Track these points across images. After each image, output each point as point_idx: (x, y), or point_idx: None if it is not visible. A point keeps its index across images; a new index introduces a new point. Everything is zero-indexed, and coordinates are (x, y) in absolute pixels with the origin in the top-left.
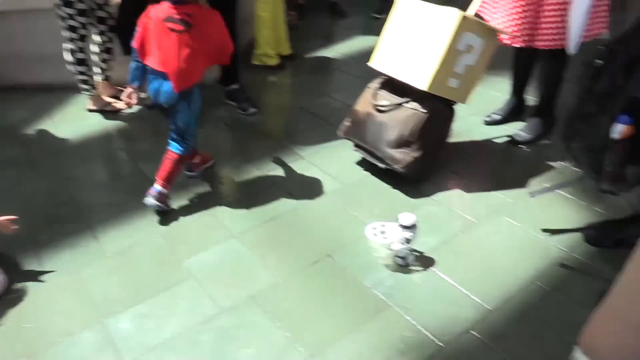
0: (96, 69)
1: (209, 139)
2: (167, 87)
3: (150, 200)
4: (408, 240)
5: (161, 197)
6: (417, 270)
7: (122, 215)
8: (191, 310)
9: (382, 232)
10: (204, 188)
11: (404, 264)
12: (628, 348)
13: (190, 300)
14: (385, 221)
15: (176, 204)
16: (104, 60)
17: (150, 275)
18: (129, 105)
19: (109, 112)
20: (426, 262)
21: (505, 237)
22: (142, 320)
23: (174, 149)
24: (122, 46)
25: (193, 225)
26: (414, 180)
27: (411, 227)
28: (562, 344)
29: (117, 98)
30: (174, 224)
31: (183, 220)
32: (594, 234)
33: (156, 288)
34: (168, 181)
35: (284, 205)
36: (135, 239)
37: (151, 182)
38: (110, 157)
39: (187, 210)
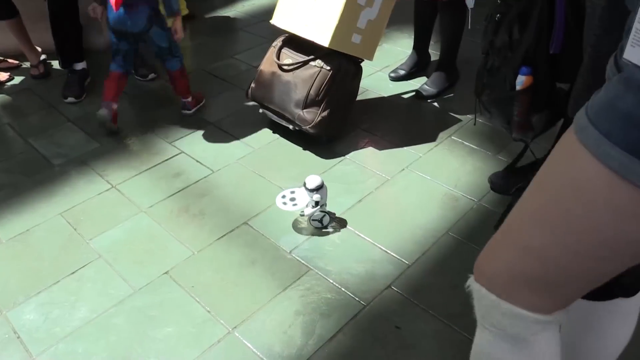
0: None
1: None
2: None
3: (188, 112)
4: (317, 203)
5: (193, 103)
6: (335, 231)
7: (16, 197)
8: (102, 293)
9: (292, 200)
10: (107, 162)
11: (320, 226)
12: (515, 268)
13: (99, 283)
14: (295, 187)
15: (76, 181)
16: None
17: (53, 260)
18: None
19: None
20: (343, 222)
21: (417, 192)
22: (47, 309)
23: (173, 67)
24: None
25: (97, 202)
26: (325, 141)
27: (319, 189)
28: None
29: None
30: (76, 203)
31: (86, 198)
32: (500, 183)
33: (61, 272)
34: (188, 93)
35: (193, 174)
36: (33, 222)
37: (46, 159)
38: None
39: (89, 188)
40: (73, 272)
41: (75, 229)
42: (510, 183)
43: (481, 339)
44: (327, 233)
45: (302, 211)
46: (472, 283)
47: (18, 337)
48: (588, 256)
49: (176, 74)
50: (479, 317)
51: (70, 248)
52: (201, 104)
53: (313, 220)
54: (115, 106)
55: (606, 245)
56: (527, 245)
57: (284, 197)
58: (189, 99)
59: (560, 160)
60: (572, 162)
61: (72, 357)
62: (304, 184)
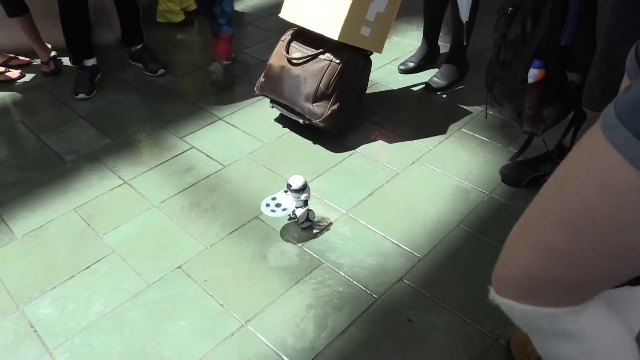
0: None
1: (116, 104)
2: None
3: (217, 68)
4: (306, 202)
5: (226, 67)
6: (347, 225)
7: (29, 193)
8: (116, 288)
9: (278, 206)
10: (118, 158)
11: (309, 224)
12: (539, 270)
13: (114, 277)
14: (277, 192)
15: (89, 177)
16: None
17: (67, 255)
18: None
19: (0, 82)
20: (356, 215)
21: (428, 185)
22: (63, 303)
23: (226, 30)
24: (5, 6)
25: (109, 198)
26: (335, 134)
27: (304, 189)
28: (489, 283)
29: (8, 66)
30: (89, 199)
31: (98, 193)
32: (511, 175)
33: (75, 267)
34: (228, 57)
35: (204, 169)
36: (47, 218)
37: (58, 156)
38: (9, 132)
39: (101, 183)
40: (87, 267)
41: (88, 224)
42: (521, 175)
43: (537, 343)
44: (340, 226)
45: (293, 214)
46: (494, 297)
47: (35, 331)
48: (615, 257)
49: (227, 37)
50: (518, 325)
51: (84, 243)
52: (228, 62)
53: (302, 222)
54: (224, 62)
55: (634, 246)
56: (551, 247)
57: (268, 205)
58: (224, 62)
59: (586, 158)
60: (599, 160)
61: (87, 350)
62: (288, 186)
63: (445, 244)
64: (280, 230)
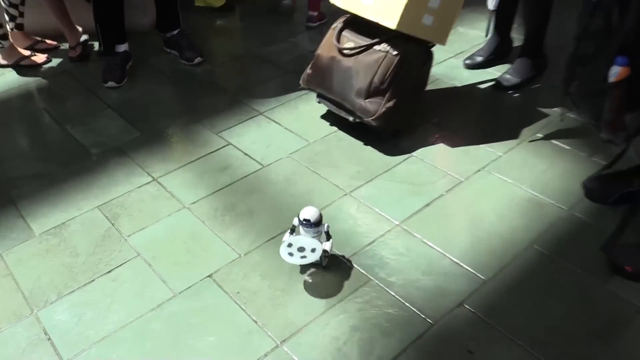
0: (5, 17)
1: (147, 95)
2: None
3: (312, 24)
4: (328, 233)
5: (317, 17)
6: (400, 238)
7: (51, 188)
8: (139, 295)
9: (302, 250)
10: (148, 153)
11: (325, 262)
12: None
13: (137, 284)
14: (287, 232)
15: (115, 172)
16: (12, 5)
17: (88, 256)
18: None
19: (25, 67)
20: (411, 228)
21: (496, 197)
22: (81, 310)
23: None
24: None
25: (137, 196)
26: (389, 135)
27: (321, 222)
28: (568, 314)
29: (34, 50)
30: (114, 196)
31: (125, 191)
32: (596, 189)
33: (96, 271)
34: (318, 7)
35: (241, 168)
36: (69, 215)
37: (83, 148)
38: (32, 120)
39: (128, 180)
40: (109, 271)
41: (112, 224)
42: (609, 190)
43: None
44: (392, 239)
45: (325, 255)
46: None
47: (49, 339)
48: None
49: None
50: None
51: (107, 244)
52: (323, 21)
53: (323, 257)
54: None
55: None
56: None
57: (291, 254)
58: (316, 14)
59: None
60: None
61: None
62: (305, 222)
63: (516, 266)
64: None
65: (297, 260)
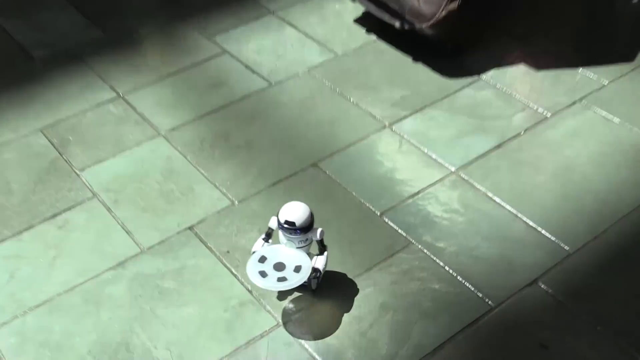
0: None
1: None
2: None
3: None
4: (322, 242)
5: None
6: (456, 190)
7: None
8: (94, 249)
9: (280, 268)
10: (112, 60)
11: (314, 284)
12: None
13: (92, 234)
14: (283, 231)
15: (66, 84)
16: None
17: (26, 195)
18: None
19: None
20: (472, 177)
21: (594, 140)
22: (13, 265)
23: None
24: None
25: (95, 118)
26: (450, 49)
27: (312, 225)
28: None
29: None
30: (64, 117)
31: (79, 110)
32: None
33: (36, 214)
34: None
35: (240, 87)
36: (1, 139)
37: (23, 50)
38: None
39: (84, 95)
40: (54, 216)
41: (60, 154)
42: None
43: None
44: (445, 190)
45: (315, 276)
46: None
47: None
48: None
49: None
50: None
51: (53, 180)
52: None
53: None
54: None
55: None
56: None
57: (264, 274)
58: None
59: None
60: None
61: (43, 336)
62: (288, 225)
63: (613, 237)
64: (349, 188)
65: (271, 283)
